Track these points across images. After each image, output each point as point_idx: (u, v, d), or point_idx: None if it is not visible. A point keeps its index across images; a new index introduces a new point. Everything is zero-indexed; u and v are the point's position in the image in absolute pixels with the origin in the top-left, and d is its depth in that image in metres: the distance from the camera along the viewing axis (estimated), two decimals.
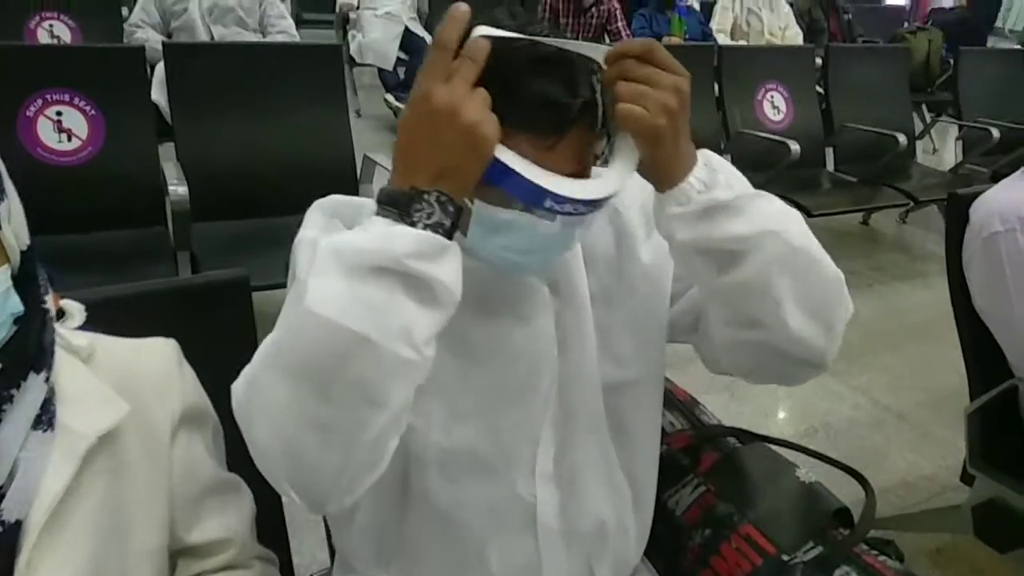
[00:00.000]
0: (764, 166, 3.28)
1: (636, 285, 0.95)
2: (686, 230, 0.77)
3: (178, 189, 2.13)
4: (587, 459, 0.92)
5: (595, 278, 0.94)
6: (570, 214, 0.73)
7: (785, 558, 0.92)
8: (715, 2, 5.00)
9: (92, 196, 2.28)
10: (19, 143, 2.23)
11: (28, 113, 2.25)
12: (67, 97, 2.29)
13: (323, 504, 0.72)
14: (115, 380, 0.79)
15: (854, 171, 3.67)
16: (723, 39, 4.78)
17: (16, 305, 0.72)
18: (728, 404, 2.56)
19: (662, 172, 0.77)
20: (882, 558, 0.93)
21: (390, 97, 4.73)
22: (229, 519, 0.87)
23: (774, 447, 1.10)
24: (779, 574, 0.91)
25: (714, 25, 4.90)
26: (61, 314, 0.82)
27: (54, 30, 3.38)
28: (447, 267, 0.68)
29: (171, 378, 0.85)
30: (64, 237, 2.12)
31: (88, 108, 2.31)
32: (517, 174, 0.71)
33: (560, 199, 0.72)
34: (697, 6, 5.36)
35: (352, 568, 0.97)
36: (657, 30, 4.66)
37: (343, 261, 0.65)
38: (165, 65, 2.47)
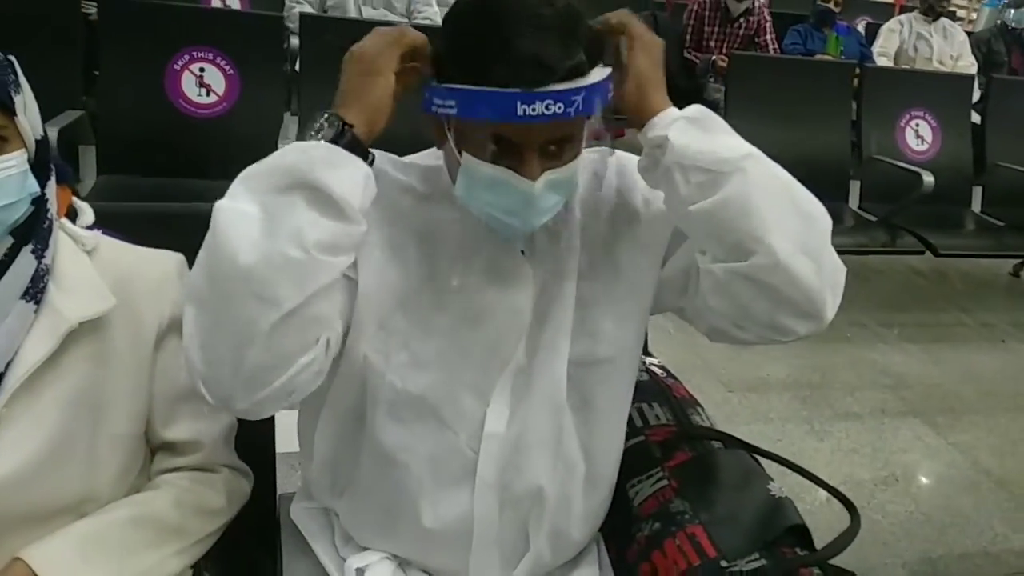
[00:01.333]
0: (895, 196, 3.08)
1: (625, 267, 0.96)
2: (672, 149, 0.82)
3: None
4: (538, 427, 0.93)
5: (587, 255, 0.95)
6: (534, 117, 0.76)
7: (724, 564, 0.89)
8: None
9: (219, 146, 2.48)
10: (164, 93, 2.48)
11: (175, 67, 2.49)
12: (211, 56, 2.51)
13: (228, 400, 0.79)
14: (113, 277, 0.89)
15: (1004, 215, 3.37)
16: (884, 63, 4.51)
17: (33, 186, 0.83)
18: (806, 438, 2.45)
19: (649, 97, 0.83)
20: None
21: None
22: (201, 425, 0.95)
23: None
24: None
25: (876, 48, 4.62)
26: (74, 212, 0.92)
27: (227, 1, 3.71)
28: (337, 174, 0.75)
29: (167, 286, 0.93)
30: (189, 181, 2.33)
31: (227, 67, 2.53)
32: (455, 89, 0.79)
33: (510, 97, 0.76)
34: (862, 27, 5.08)
35: (311, 496, 1.04)
36: (811, 47, 4.45)
37: (250, 176, 0.75)
38: (299, 35, 2.65)
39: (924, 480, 2.36)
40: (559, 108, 0.76)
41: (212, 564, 0.97)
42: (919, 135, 3.39)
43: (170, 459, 0.96)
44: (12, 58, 0.83)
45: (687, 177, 0.82)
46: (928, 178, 2.93)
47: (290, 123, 2.61)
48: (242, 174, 0.77)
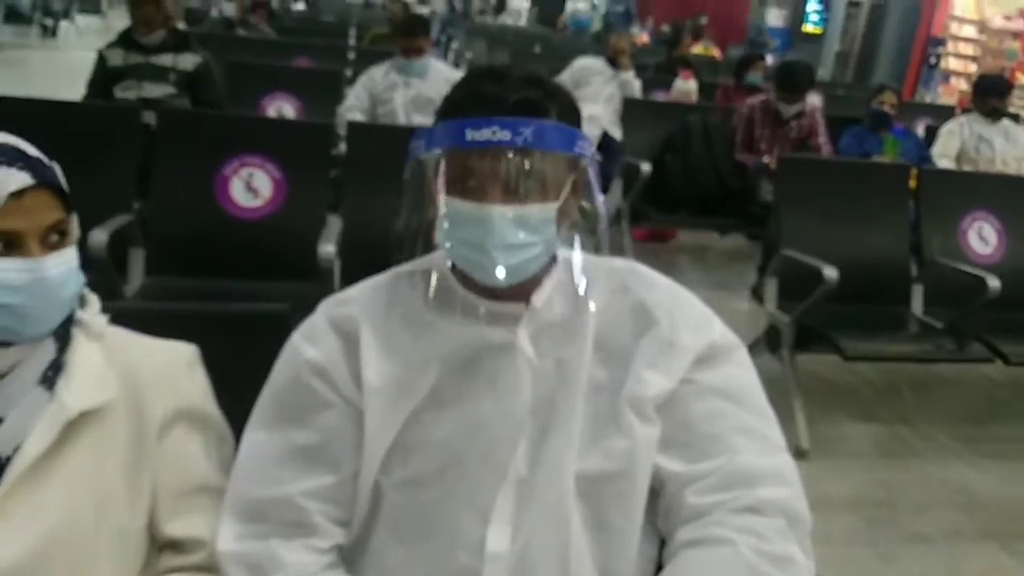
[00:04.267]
0: (960, 301, 2.99)
1: (641, 381, 0.95)
2: None
3: (327, 247, 2.35)
4: (544, 545, 0.91)
5: (606, 369, 0.96)
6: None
7: None
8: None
9: (264, 247, 2.58)
10: (214, 197, 2.60)
11: (225, 172, 2.62)
12: (259, 161, 2.64)
13: None
14: (118, 366, 0.92)
15: None
16: (946, 165, 4.47)
17: (82, 279, 0.88)
18: (872, 563, 2.30)
19: None
20: None
21: None
22: (207, 521, 0.95)
23: None
24: None
25: (936, 150, 4.60)
26: (82, 300, 0.96)
27: (282, 109, 3.93)
28: None
29: (174, 377, 0.96)
30: (233, 281, 2.42)
31: (275, 172, 2.65)
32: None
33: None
34: (921, 131, 5.08)
35: None
36: (868, 149, 4.45)
37: None
38: (346, 140, 2.77)
39: None
40: (506, 135, 0.85)
41: None
42: (983, 237, 3.32)
43: (175, 558, 0.96)
44: (55, 164, 0.89)
45: None
46: (993, 282, 2.84)
47: (332, 222, 2.70)
48: None
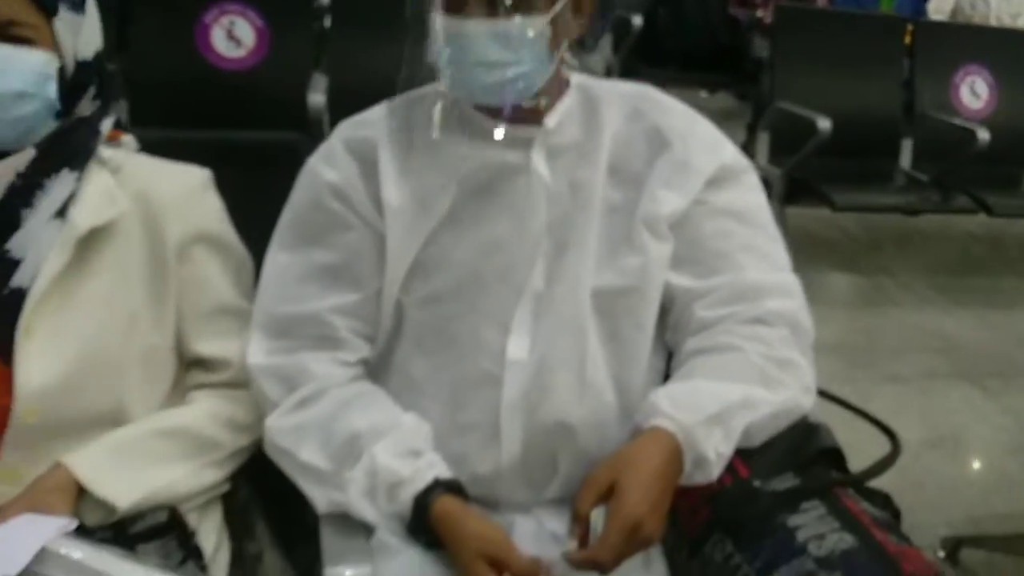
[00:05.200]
0: (948, 156, 3.02)
1: (655, 201, 0.98)
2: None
3: (318, 97, 2.31)
4: (561, 353, 0.95)
5: (620, 190, 0.99)
6: None
7: (757, 483, 0.91)
8: None
9: (248, 98, 2.52)
10: (195, 46, 2.52)
11: (206, 20, 2.53)
12: (240, 9, 2.54)
13: None
14: (133, 189, 0.93)
15: None
16: (940, 19, 4.39)
17: (51, 94, 0.86)
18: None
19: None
20: (865, 504, 0.88)
21: None
22: (231, 343, 0.99)
23: None
24: (744, 497, 0.89)
25: (932, 4, 4.51)
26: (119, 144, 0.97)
27: None
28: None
29: (189, 199, 0.97)
30: (218, 131, 2.38)
31: (257, 20, 2.56)
32: None
33: None
34: None
35: None
36: (862, 2, 4.36)
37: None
38: None
39: (971, 442, 2.34)
40: None
41: (249, 482, 1.02)
42: (975, 92, 3.31)
43: (202, 375, 1.00)
44: None
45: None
46: (983, 134, 2.87)
47: (318, 79, 2.64)
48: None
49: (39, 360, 0.85)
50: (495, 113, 0.95)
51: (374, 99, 1.06)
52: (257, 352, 0.96)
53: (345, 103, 2.51)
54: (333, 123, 2.53)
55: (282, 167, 1.18)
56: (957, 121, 3.12)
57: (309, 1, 2.70)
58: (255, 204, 1.05)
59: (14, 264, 0.86)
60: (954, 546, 1.81)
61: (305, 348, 0.96)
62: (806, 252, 3.10)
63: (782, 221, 2.89)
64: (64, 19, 0.87)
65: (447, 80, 0.92)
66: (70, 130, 0.90)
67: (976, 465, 2.23)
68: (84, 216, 0.89)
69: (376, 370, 1.01)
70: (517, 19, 0.88)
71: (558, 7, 0.90)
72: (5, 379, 0.84)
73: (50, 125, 0.88)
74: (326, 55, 2.68)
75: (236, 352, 0.99)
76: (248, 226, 1.07)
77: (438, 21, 0.90)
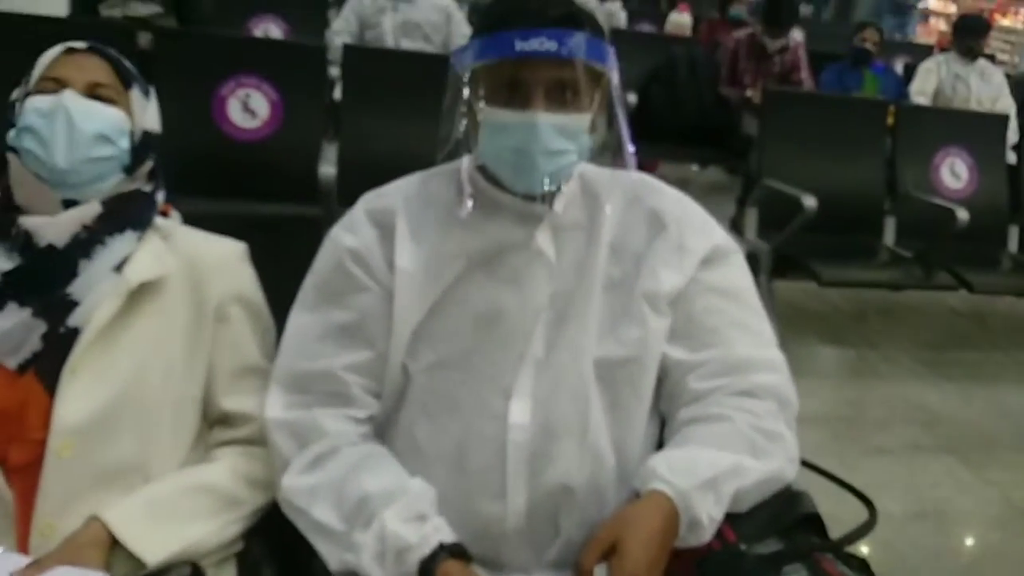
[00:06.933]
0: (930, 234, 3.14)
1: (653, 277, 1.06)
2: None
3: (329, 170, 2.42)
4: (564, 418, 1.02)
5: (620, 267, 1.08)
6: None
7: (743, 547, 0.97)
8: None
9: (262, 170, 2.63)
10: (211, 118, 2.65)
11: (223, 93, 2.66)
12: (255, 82, 2.68)
13: None
14: (180, 253, 1.04)
15: None
16: (922, 102, 4.59)
17: (124, 147, 1.00)
18: (836, 472, 2.48)
19: None
20: (843, 568, 0.95)
21: None
22: (255, 400, 1.06)
23: None
24: (731, 560, 0.96)
25: (913, 88, 4.70)
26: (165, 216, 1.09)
27: (269, 30, 3.92)
28: None
29: (230, 265, 1.09)
30: (232, 201, 2.47)
31: (271, 93, 2.69)
32: None
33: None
34: (900, 69, 5.17)
35: None
36: (847, 85, 4.55)
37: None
38: (341, 64, 2.81)
39: (956, 515, 2.38)
40: (552, 46, 0.94)
41: (260, 538, 1.07)
42: (954, 173, 3.46)
43: (225, 432, 1.08)
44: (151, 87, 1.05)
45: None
46: (962, 214, 2.99)
47: (328, 149, 2.76)
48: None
49: (79, 398, 0.94)
50: (509, 194, 1.04)
51: (383, 169, 1.14)
52: (275, 406, 1.03)
53: (355, 174, 2.64)
54: (343, 194, 2.65)
55: (299, 239, 1.27)
56: (938, 200, 3.26)
57: (321, 73, 2.84)
58: (271, 274, 1.15)
59: (73, 305, 0.96)
60: None
61: (319, 404, 1.03)
62: (793, 324, 3.20)
63: (770, 294, 2.99)
64: (136, 94, 1.03)
65: (503, 167, 1.01)
66: (133, 197, 1.03)
67: (960, 538, 2.27)
68: (137, 271, 0.99)
69: (383, 429, 1.07)
70: (576, 114, 0.99)
71: (595, 105, 1.01)
72: (45, 411, 0.93)
73: (117, 178, 1.01)
74: (338, 127, 2.80)
75: (257, 408, 1.05)
76: (268, 297, 1.15)
77: (495, 114, 0.98)
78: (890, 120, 3.53)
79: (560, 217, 1.07)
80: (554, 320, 1.04)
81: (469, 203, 1.01)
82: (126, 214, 1.01)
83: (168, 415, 1.00)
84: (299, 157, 2.65)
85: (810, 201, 2.81)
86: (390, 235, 1.06)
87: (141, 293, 0.99)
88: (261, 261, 1.15)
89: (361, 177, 2.89)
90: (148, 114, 1.06)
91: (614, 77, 1.02)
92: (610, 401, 1.05)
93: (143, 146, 1.04)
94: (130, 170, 1.02)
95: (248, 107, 2.67)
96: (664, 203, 1.11)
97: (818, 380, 2.97)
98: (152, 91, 1.07)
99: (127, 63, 1.05)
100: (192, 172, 2.56)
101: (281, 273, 1.13)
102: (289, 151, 2.65)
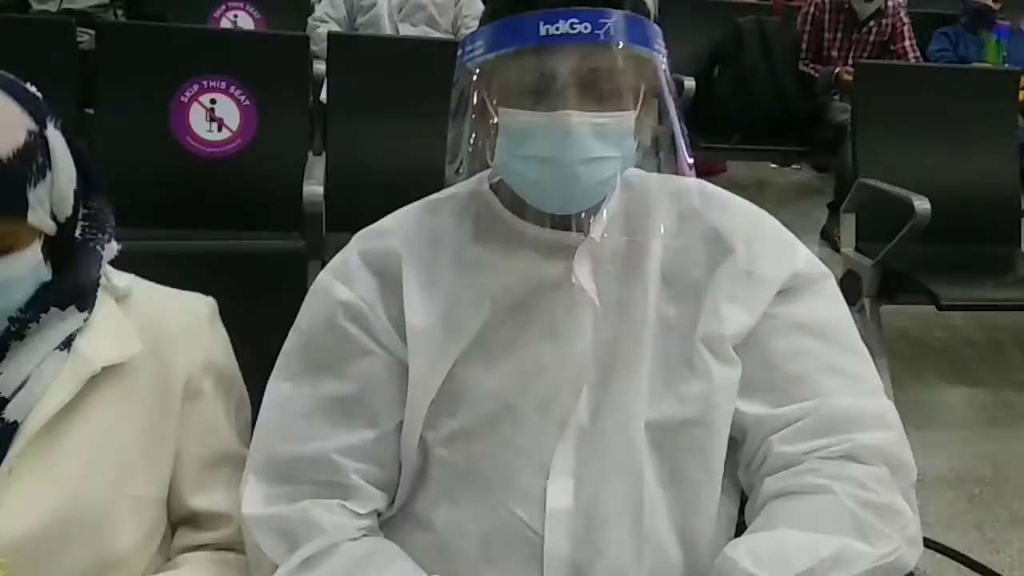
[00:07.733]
0: None
1: (718, 316, 1.04)
2: None
3: (316, 189, 2.44)
4: (613, 500, 1.01)
5: (675, 305, 1.06)
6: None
7: None
8: None
9: (234, 192, 2.67)
10: (170, 129, 2.69)
11: (183, 99, 2.71)
12: (223, 85, 2.72)
13: None
14: (141, 321, 1.03)
15: None
16: None
17: (44, 275, 0.97)
18: (976, 548, 2.43)
19: None
20: None
21: None
22: (231, 493, 1.06)
23: None
24: None
25: None
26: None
27: (238, 21, 3.98)
28: None
29: (198, 333, 1.07)
30: (198, 232, 2.50)
31: (243, 98, 2.74)
32: None
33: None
34: None
35: None
36: (964, 54, 4.52)
37: None
38: (327, 59, 2.86)
39: None
40: (585, 28, 0.92)
41: None
42: None
43: (192, 535, 1.07)
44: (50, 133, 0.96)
45: None
46: None
47: (315, 163, 2.78)
48: None
49: (20, 505, 0.93)
50: (535, 219, 1.03)
51: (381, 188, 1.14)
52: (253, 500, 1.01)
53: (347, 195, 2.64)
54: (332, 219, 2.66)
55: (278, 278, 1.28)
56: None
57: (303, 70, 2.89)
58: (244, 323, 1.14)
59: (3, 402, 0.94)
60: None
61: (310, 495, 1.01)
62: (907, 361, 3.14)
63: (875, 324, 2.95)
64: (36, 201, 0.93)
65: (526, 184, 1.00)
66: (56, 284, 0.99)
67: None
68: (97, 352, 0.98)
69: (395, 522, 1.06)
70: (617, 112, 0.97)
71: (640, 100, 0.99)
72: None
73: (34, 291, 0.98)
74: (323, 135, 2.83)
75: (231, 505, 1.05)
76: (243, 352, 1.14)
77: (515, 116, 0.97)
78: (1022, 95, 3.49)
79: (600, 244, 1.05)
80: (598, 376, 1.03)
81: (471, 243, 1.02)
82: (60, 291, 0.98)
83: (126, 520, 0.99)
84: (278, 175, 2.68)
85: (922, 203, 2.78)
86: (394, 285, 1.05)
87: (99, 376, 0.98)
88: (232, 309, 1.14)
89: (354, 198, 2.93)
90: (57, 194, 0.96)
91: (662, 64, 1.01)
92: (670, 474, 1.03)
93: (63, 234, 0.98)
94: (56, 272, 0.99)
95: (214, 116, 2.72)
96: (729, 218, 1.09)
97: (945, 432, 2.91)
98: (58, 153, 0.97)
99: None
100: (146, 199, 2.60)
101: (257, 323, 1.13)
102: (265, 168, 2.70)
